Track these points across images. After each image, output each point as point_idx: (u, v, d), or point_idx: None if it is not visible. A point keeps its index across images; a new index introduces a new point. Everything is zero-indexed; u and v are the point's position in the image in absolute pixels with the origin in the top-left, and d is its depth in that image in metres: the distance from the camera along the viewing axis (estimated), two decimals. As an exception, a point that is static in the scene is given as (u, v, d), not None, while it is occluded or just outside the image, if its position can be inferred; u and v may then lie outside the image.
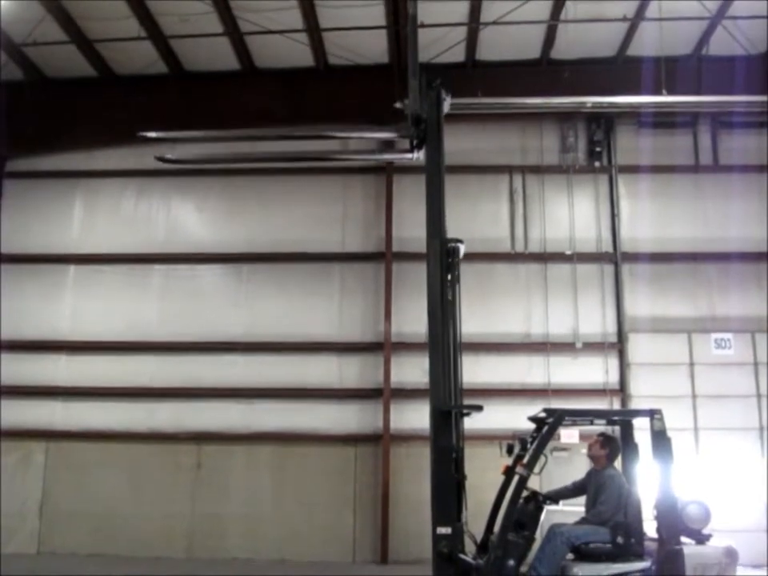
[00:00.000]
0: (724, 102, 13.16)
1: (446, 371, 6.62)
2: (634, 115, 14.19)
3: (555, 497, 7.14)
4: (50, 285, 14.63)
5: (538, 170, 14.54)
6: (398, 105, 13.17)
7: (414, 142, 7.07)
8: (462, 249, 6.88)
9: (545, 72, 14.07)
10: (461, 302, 7.04)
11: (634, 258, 14.05)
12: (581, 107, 13.51)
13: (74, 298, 14.59)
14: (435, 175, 6.85)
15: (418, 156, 7.19)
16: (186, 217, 14.88)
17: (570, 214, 14.29)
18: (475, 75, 13.70)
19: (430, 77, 7.20)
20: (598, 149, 14.46)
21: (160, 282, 14.55)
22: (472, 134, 14.49)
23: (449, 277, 6.78)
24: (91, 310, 14.46)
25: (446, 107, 7.08)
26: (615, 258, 14.09)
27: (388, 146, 13.19)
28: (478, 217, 14.22)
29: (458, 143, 14.42)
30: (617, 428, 7.53)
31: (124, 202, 14.99)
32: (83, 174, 15.09)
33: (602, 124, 14.48)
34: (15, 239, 14.72)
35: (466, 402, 6.83)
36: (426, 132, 6.90)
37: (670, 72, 12.98)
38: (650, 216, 14.23)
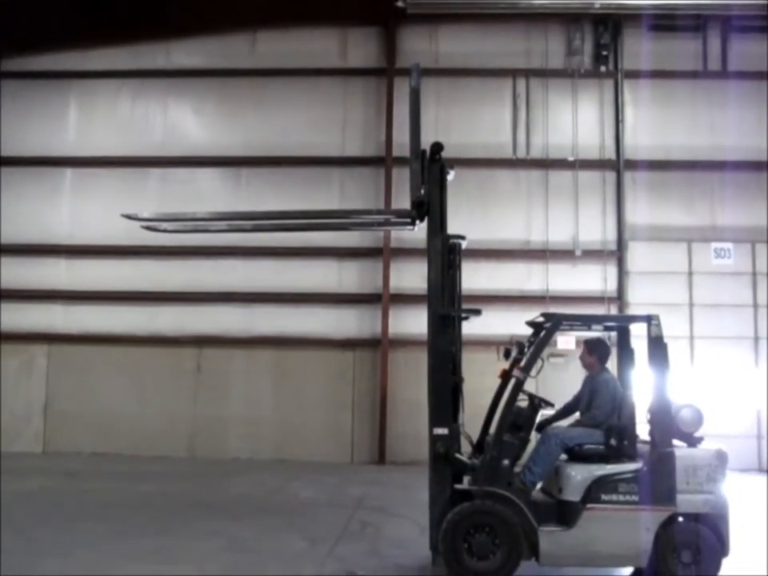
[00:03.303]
0: (732, 5, 12.82)
1: (445, 276, 6.58)
2: (642, 18, 13.77)
3: (559, 416, 7.13)
4: (47, 188, 14.52)
5: (542, 74, 14.22)
6: (399, 3, 12.87)
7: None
8: (464, 244, 6.74)
9: (552, -30, 13.59)
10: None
11: (636, 165, 13.88)
12: (588, 8, 13.23)
13: (71, 202, 14.51)
14: (437, 251, 6.54)
15: (419, 227, 6.84)
16: (184, 119, 14.64)
17: (574, 120, 14.03)
18: (480, -27, 13.22)
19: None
20: (604, 53, 14.12)
21: (158, 186, 14.41)
22: (474, 36, 14.15)
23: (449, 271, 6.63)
24: (89, 214, 14.38)
25: (450, 177, 6.75)
26: (618, 166, 13.92)
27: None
28: (479, 122, 13.99)
29: (460, 45, 14.13)
30: (612, 334, 7.56)
31: (120, 103, 14.72)
32: (78, 74, 14.78)
33: (610, 27, 14.08)
34: (11, 141, 14.50)
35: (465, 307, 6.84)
36: (428, 209, 6.55)
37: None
38: (655, 123, 14.00)
